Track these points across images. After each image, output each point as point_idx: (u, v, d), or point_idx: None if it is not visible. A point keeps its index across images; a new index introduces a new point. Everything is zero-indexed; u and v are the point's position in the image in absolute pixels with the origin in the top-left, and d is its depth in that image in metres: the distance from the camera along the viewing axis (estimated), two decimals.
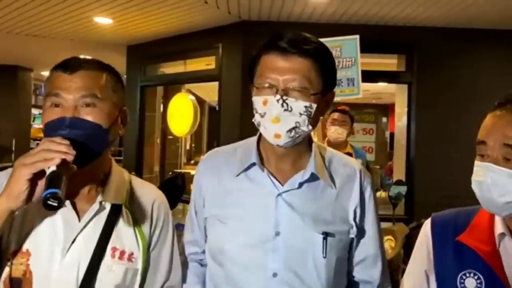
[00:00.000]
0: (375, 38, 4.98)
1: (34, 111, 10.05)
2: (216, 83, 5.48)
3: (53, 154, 1.01)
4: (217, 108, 5.74)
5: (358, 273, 1.36)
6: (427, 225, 1.24)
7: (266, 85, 1.21)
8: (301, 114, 1.19)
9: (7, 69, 8.34)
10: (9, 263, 1.10)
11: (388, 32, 5.04)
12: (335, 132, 3.79)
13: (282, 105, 1.18)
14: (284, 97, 1.18)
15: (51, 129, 1.11)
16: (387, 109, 11.80)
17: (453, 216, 1.22)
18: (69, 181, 1.08)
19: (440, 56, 5.04)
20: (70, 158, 1.02)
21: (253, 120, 1.26)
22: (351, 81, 3.59)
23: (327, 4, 4.45)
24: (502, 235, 1.11)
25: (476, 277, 1.11)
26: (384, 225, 3.89)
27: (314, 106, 1.21)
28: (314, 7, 4.56)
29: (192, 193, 1.40)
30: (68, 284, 1.11)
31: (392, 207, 4.11)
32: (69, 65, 1.16)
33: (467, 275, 1.12)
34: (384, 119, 11.48)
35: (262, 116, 1.22)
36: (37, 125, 10.26)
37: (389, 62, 5.58)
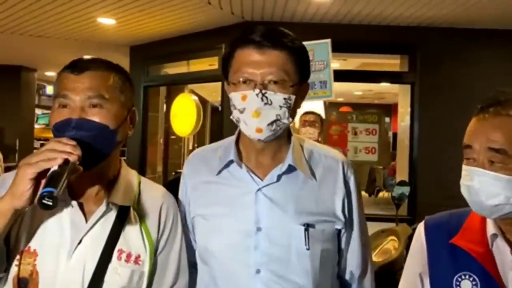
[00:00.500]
0: (378, 38, 4.98)
1: (38, 111, 10.08)
2: (219, 84, 5.47)
3: (56, 154, 1.01)
4: (219, 109, 5.74)
5: (347, 265, 1.36)
6: (420, 228, 1.24)
7: (242, 79, 1.21)
8: (281, 106, 1.20)
9: (11, 69, 8.36)
10: (17, 263, 1.10)
11: (391, 32, 5.03)
12: (307, 132, 3.94)
13: (262, 99, 1.18)
14: (263, 91, 1.18)
15: (58, 130, 1.11)
16: (390, 109, 11.79)
17: (446, 218, 1.22)
18: (77, 182, 1.07)
19: (443, 56, 5.03)
20: (73, 158, 1.02)
21: (231, 117, 1.25)
22: (324, 83, 3.76)
23: (330, 3, 4.45)
24: (494, 235, 1.11)
25: (471, 279, 1.11)
26: (387, 225, 3.89)
27: (293, 97, 1.21)
28: (317, 7, 4.56)
29: (179, 195, 1.39)
30: (73, 285, 1.10)
31: (395, 207, 4.10)
32: (77, 66, 1.16)
33: (462, 277, 1.12)
34: (387, 119, 11.44)
35: (241, 112, 1.21)
36: (38, 125, 10.28)
37: (392, 62, 5.58)
